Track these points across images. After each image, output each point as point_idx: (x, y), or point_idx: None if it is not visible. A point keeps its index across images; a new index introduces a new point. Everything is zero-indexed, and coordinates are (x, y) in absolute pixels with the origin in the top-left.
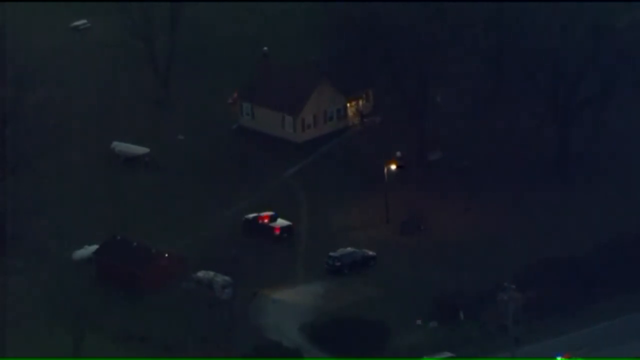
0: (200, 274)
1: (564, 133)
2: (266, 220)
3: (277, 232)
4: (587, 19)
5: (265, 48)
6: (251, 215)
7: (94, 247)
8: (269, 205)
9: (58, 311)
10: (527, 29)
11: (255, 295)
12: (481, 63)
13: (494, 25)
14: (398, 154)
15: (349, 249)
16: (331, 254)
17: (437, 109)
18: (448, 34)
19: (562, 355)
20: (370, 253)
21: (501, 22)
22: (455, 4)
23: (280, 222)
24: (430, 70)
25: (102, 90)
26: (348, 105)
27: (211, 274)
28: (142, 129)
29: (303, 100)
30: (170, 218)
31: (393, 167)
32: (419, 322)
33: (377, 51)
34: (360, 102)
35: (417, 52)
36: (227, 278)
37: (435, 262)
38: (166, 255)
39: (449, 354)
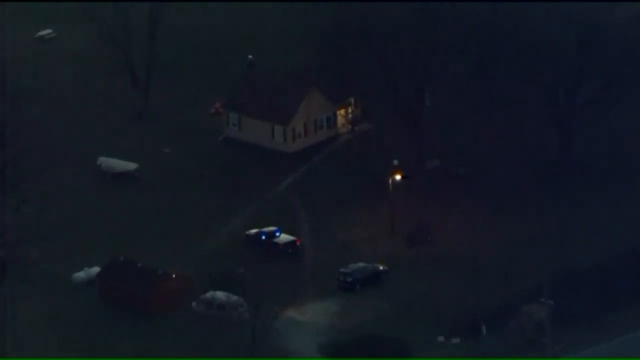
0: (210, 294)
1: (566, 136)
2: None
3: (282, 248)
4: (581, 16)
5: (251, 56)
6: (253, 231)
7: (94, 269)
8: (268, 220)
9: (67, 336)
10: (524, 30)
11: (276, 316)
12: (477, 65)
13: (489, 27)
14: (395, 162)
15: (361, 264)
16: (342, 269)
17: (428, 112)
18: (442, 36)
19: None
20: (382, 267)
21: (497, 24)
22: (448, 6)
23: (284, 237)
24: (426, 75)
25: (78, 103)
26: (338, 113)
27: (222, 294)
28: (126, 143)
29: (293, 109)
30: (167, 236)
31: (398, 177)
32: (440, 338)
33: (369, 56)
34: (350, 110)
35: (413, 55)
36: (238, 298)
37: (448, 275)
38: (174, 275)
39: None
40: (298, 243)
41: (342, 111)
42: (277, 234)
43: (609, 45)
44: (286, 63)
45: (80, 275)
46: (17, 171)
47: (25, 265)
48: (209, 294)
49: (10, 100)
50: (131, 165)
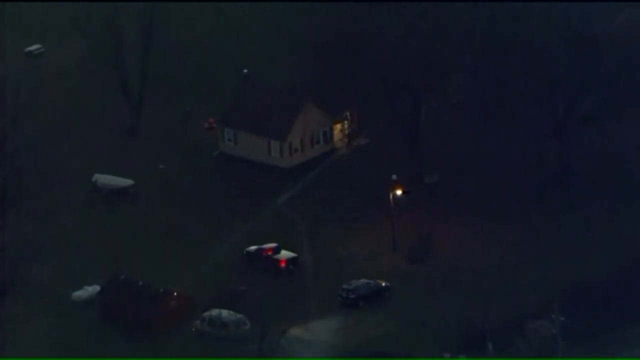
0: (214, 312)
1: (565, 149)
2: (270, 253)
3: (283, 265)
4: (580, 27)
5: (245, 70)
6: (253, 248)
7: (93, 287)
8: (266, 236)
9: (67, 355)
10: (522, 42)
11: (283, 334)
12: (475, 78)
13: (487, 39)
14: (394, 177)
15: (363, 280)
16: (345, 286)
17: (426, 125)
18: (440, 49)
19: None
20: (384, 284)
21: (495, 36)
22: (446, 18)
23: (285, 254)
24: (423, 88)
25: (70, 119)
26: (334, 127)
27: (225, 312)
28: (120, 159)
29: (289, 124)
30: (165, 254)
31: (399, 192)
32: (447, 355)
33: (366, 69)
34: (346, 124)
35: (410, 69)
36: (241, 316)
37: (451, 291)
38: (175, 294)
39: None
40: (298, 259)
41: (339, 125)
42: (277, 250)
43: (608, 57)
44: (282, 77)
45: (80, 293)
46: (13, 190)
47: (25, 284)
48: (213, 312)
49: (8, 118)
50: (127, 182)
